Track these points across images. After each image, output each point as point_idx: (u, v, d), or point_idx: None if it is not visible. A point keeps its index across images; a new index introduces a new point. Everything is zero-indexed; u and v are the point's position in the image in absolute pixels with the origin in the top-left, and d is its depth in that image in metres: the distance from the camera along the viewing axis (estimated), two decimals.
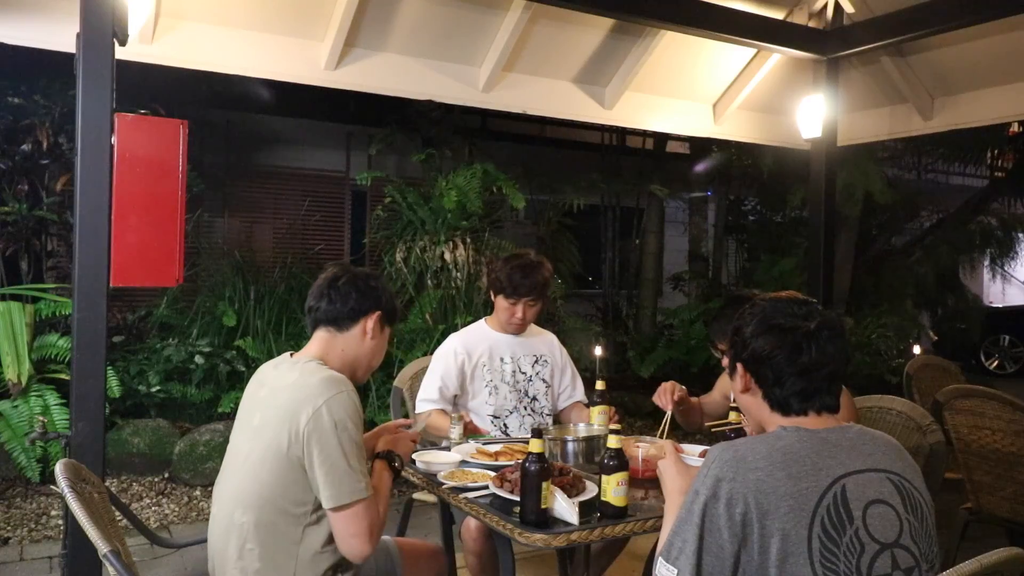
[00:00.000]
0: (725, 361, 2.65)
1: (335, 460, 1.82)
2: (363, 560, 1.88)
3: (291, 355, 2.06)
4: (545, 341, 3.20)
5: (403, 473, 2.46)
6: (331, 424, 1.82)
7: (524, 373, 3.09)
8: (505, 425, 3.05)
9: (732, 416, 2.41)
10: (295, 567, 1.87)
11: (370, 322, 2.06)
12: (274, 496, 1.86)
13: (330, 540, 1.89)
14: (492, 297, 3.09)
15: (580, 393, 3.21)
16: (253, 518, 1.87)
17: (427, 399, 3.01)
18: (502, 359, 3.07)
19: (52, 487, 4.49)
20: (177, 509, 4.52)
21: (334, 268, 2.15)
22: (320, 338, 2.06)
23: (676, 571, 1.43)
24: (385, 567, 2.18)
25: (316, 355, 2.02)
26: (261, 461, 1.87)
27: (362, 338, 2.06)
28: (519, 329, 3.08)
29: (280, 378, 1.98)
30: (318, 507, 1.86)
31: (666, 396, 2.70)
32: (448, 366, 3.03)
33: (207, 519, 2.01)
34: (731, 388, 1.70)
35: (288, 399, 1.88)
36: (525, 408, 3.07)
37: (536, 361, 3.12)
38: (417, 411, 3.06)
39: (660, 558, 1.47)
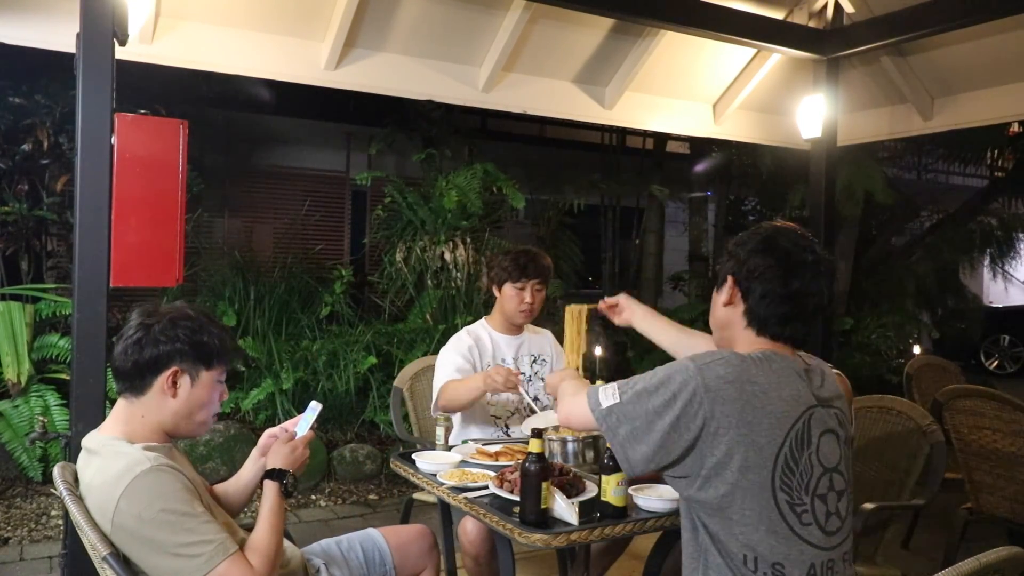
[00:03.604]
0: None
1: (157, 552, 1.60)
2: None
3: (99, 432, 1.79)
4: (542, 339, 3.21)
5: (403, 473, 2.47)
6: (135, 518, 1.59)
7: (523, 373, 3.08)
8: (507, 426, 3.04)
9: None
10: None
11: (166, 379, 1.74)
12: None
13: None
14: (496, 291, 3.08)
15: None
16: None
17: (444, 376, 2.95)
18: (503, 360, 3.07)
19: (52, 487, 4.49)
20: None
21: (135, 311, 1.81)
22: (119, 407, 1.78)
23: (617, 401, 1.57)
24: (374, 558, 2.18)
25: (115, 433, 1.75)
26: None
27: (163, 398, 1.75)
28: (528, 317, 3.08)
29: (84, 472, 1.75)
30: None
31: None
32: (462, 350, 3.02)
33: None
34: (712, 304, 1.77)
35: (91, 501, 1.68)
36: (526, 408, 3.06)
37: (535, 360, 3.12)
38: (434, 392, 2.98)
39: (614, 384, 1.60)
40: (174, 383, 1.75)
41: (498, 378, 2.69)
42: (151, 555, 1.61)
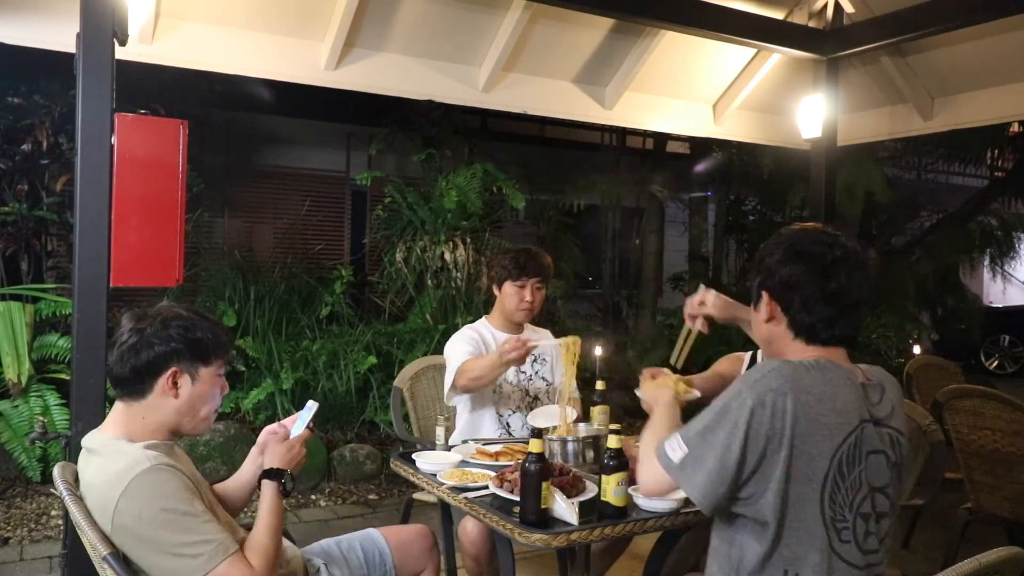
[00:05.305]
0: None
1: (156, 552, 1.60)
2: None
3: (99, 432, 1.78)
4: (541, 338, 3.19)
5: (403, 473, 2.47)
6: (135, 518, 1.59)
7: (524, 372, 3.10)
8: (508, 424, 3.05)
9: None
10: None
11: (166, 381, 1.73)
12: None
13: None
14: (496, 290, 3.09)
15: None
16: None
17: (459, 360, 2.92)
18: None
19: (52, 487, 4.49)
20: None
21: (125, 316, 1.79)
22: (118, 410, 1.77)
23: (687, 451, 1.52)
24: (374, 558, 2.18)
25: (116, 433, 1.74)
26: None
27: (165, 399, 1.74)
28: (528, 315, 3.08)
29: (84, 472, 1.74)
30: None
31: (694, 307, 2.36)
32: (468, 338, 3.02)
33: None
34: (752, 321, 1.73)
35: (91, 500, 1.68)
36: (527, 407, 3.07)
37: (535, 360, 3.12)
38: (449, 378, 2.93)
39: (676, 434, 1.55)
40: (175, 383, 1.74)
41: (511, 352, 2.68)
42: (151, 555, 1.60)
